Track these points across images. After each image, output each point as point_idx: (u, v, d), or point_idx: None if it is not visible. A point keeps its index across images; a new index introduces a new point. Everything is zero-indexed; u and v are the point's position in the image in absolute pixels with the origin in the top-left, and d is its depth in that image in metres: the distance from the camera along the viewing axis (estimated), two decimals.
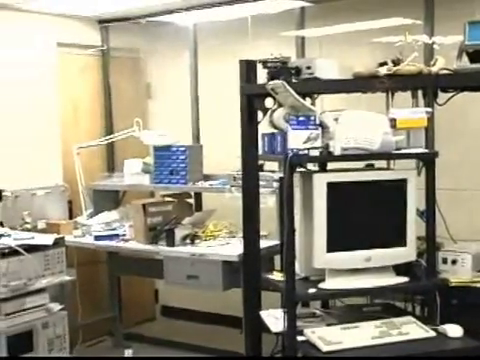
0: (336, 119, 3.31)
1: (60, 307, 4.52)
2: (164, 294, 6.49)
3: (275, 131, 3.67)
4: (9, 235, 4.50)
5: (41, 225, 5.14)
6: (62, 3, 5.18)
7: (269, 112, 3.71)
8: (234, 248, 4.54)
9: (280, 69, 3.63)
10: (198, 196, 5.63)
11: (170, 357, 5.27)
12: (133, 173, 5.41)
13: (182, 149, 5.20)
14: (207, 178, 5.25)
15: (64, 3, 5.19)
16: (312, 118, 3.28)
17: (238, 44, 5.26)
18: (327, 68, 3.61)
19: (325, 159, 3.42)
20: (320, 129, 3.29)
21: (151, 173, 5.34)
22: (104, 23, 5.91)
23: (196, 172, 5.23)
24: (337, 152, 3.25)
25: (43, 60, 5.50)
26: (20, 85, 5.27)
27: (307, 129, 3.26)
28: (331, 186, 3.28)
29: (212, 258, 4.49)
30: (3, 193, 5.06)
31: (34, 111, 5.38)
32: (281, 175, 3.50)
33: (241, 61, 3.80)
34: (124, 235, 5.06)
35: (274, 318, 3.53)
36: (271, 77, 3.61)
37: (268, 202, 4.48)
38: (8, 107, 5.15)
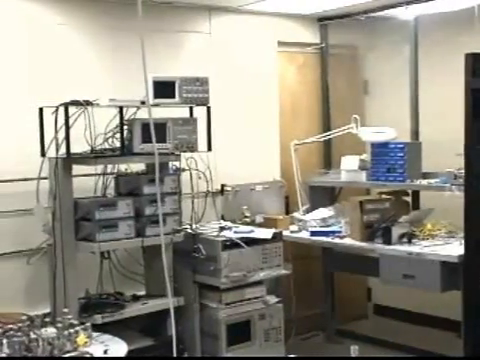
0: None
1: (276, 300, 4.64)
2: (377, 292, 6.42)
3: None
4: (230, 228, 4.71)
5: (259, 219, 5.31)
6: (285, 3, 5.30)
7: None
8: (454, 249, 4.39)
9: None
10: (416, 194, 5.49)
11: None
12: (350, 170, 5.40)
13: (400, 146, 5.09)
14: (426, 176, 5.10)
15: (286, 3, 5.30)
16: None
17: (463, 36, 5.04)
18: None
19: None
20: None
21: (368, 170, 5.29)
22: (323, 21, 5.96)
23: (414, 169, 5.09)
24: None
25: (265, 59, 5.67)
26: (243, 84, 5.47)
27: None
28: None
29: (430, 258, 4.36)
30: (225, 188, 5.29)
31: (255, 109, 5.56)
32: None
33: (467, 54, 3.65)
34: (340, 231, 5.07)
35: None
36: None
37: None
38: (232, 106, 5.36)
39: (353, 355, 4.01)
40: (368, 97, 6.38)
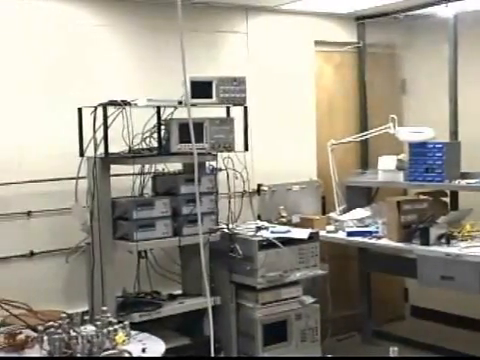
0: None
1: (313, 300, 4.62)
2: (414, 294, 6.35)
3: None
4: (266, 228, 4.71)
5: (295, 219, 5.30)
6: (322, 2, 5.29)
7: None
8: None
9: None
10: (454, 195, 5.42)
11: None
12: (387, 170, 5.35)
13: (439, 146, 5.03)
14: (464, 176, 5.04)
15: (324, 2, 5.29)
16: None
17: None
18: None
19: None
20: None
21: (405, 170, 5.25)
22: (361, 20, 5.92)
23: (453, 170, 5.03)
24: None
25: (302, 59, 5.67)
26: (280, 84, 5.47)
27: None
28: None
29: (469, 259, 4.32)
30: (261, 188, 5.29)
31: (292, 108, 5.56)
32: None
33: None
34: (377, 232, 5.04)
35: None
36: None
37: None
38: (269, 105, 5.36)
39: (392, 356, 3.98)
40: (406, 96, 6.33)
